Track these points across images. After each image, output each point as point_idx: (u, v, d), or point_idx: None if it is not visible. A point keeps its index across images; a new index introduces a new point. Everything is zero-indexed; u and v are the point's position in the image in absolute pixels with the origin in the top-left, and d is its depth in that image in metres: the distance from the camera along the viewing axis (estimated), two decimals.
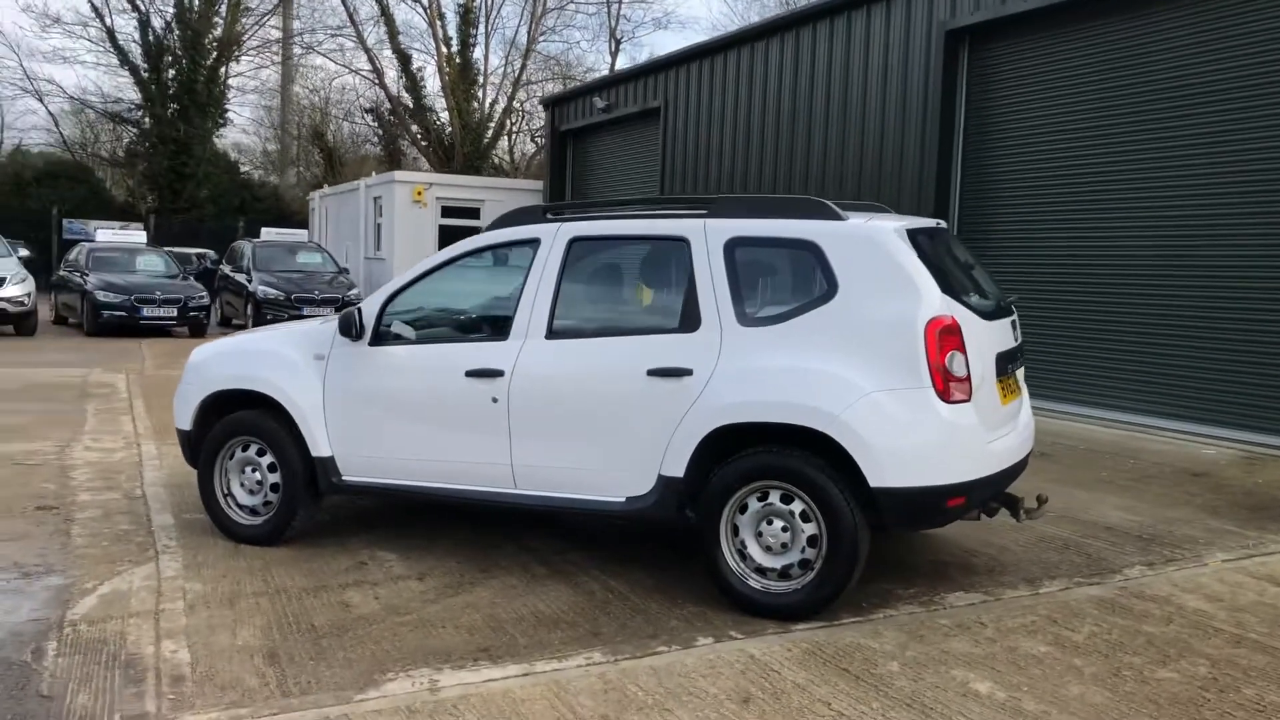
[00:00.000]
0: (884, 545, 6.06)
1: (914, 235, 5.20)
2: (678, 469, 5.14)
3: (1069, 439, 10.05)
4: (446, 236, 22.04)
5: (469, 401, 5.59)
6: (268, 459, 6.07)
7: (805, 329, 5.04)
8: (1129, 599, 5.37)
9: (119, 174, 38.53)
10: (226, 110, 38.84)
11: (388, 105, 37.41)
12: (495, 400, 5.52)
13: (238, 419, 6.14)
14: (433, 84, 36.63)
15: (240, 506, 6.17)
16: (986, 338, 5.25)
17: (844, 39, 14.05)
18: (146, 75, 35.41)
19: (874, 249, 5.07)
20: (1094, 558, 6.13)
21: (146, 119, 35.94)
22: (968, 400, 4.96)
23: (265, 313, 19.30)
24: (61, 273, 21.16)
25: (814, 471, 4.88)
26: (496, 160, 37.39)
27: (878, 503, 4.85)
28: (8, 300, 17.59)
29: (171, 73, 35.43)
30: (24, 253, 21.45)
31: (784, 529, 4.99)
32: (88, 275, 19.38)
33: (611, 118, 19.75)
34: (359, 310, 5.89)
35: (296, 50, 39.88)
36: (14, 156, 39.48)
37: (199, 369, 6.40)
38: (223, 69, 36.92)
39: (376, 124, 38.88)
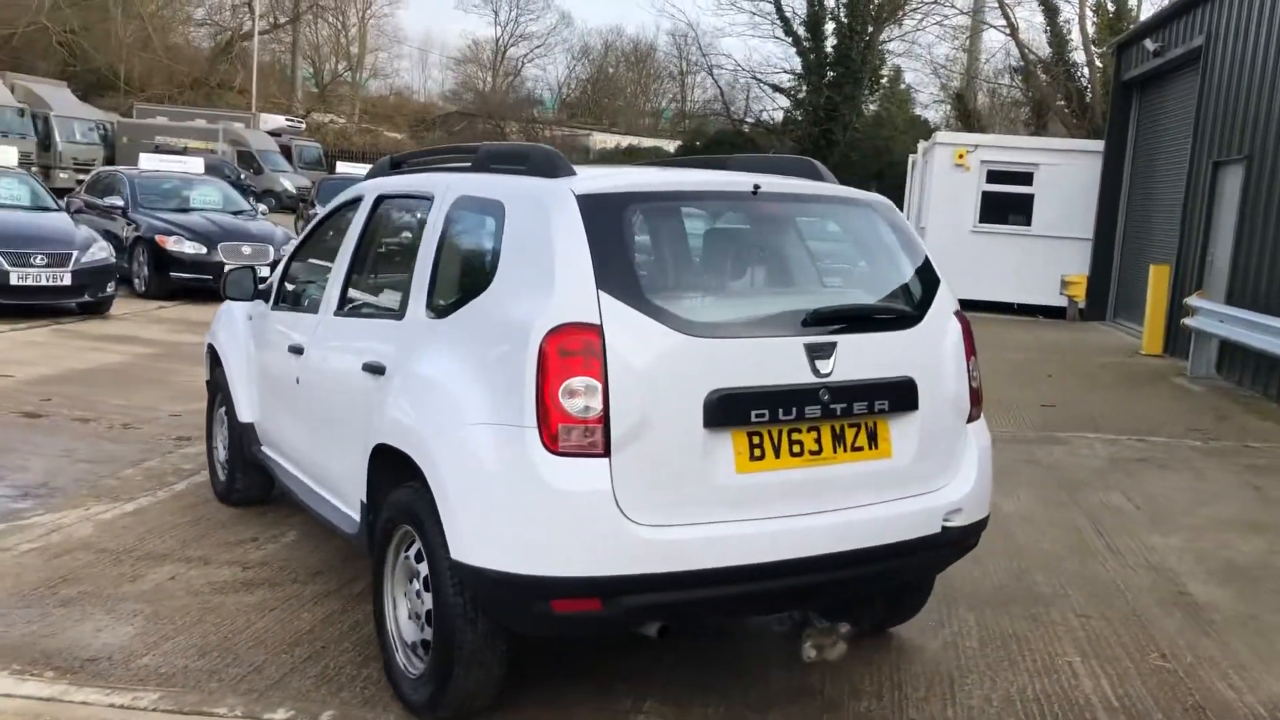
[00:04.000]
0: None
1: (615, 201, 3.48)
2: (363, 494, 4.05)
3: None
4: (990, 205, 19.86)
5: (287, 379, 4.95)
6: (225, 413, 5.96)
7: (459, 326, 3.66)
8: None
9: (772, 141, 40.75)
10: (882, 77, 39.06)
11: (1036, 63, 34.71)
12: (298, 381, 4.82)
13: (213, 378, 6.12)
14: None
15: (219, 464, 6.14)
16: (702, 364, 3.34)
17: None
18: (807, 44, 36.88)
19: (539, 219, 3.49)
20: None
21: (803, 87, 37.48)
22: (599, 455, 3.21)
23: None
24: None
25: (427, 520, 3.50)
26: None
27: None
28: None
29: (832, 41, 36.47)
30: None
31: (418, 593, 3.68)
32: None
33: (1167, 61, 16.16)
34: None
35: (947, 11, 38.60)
36: (675, 124, 43.55)
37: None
38: (882, 35, 37.13)
39: (1024, 85, 36.33)
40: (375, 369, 4.00)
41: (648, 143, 46.80)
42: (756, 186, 3.75)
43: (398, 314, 4.06)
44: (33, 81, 35.88)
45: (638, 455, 3.23)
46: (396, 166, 4.95)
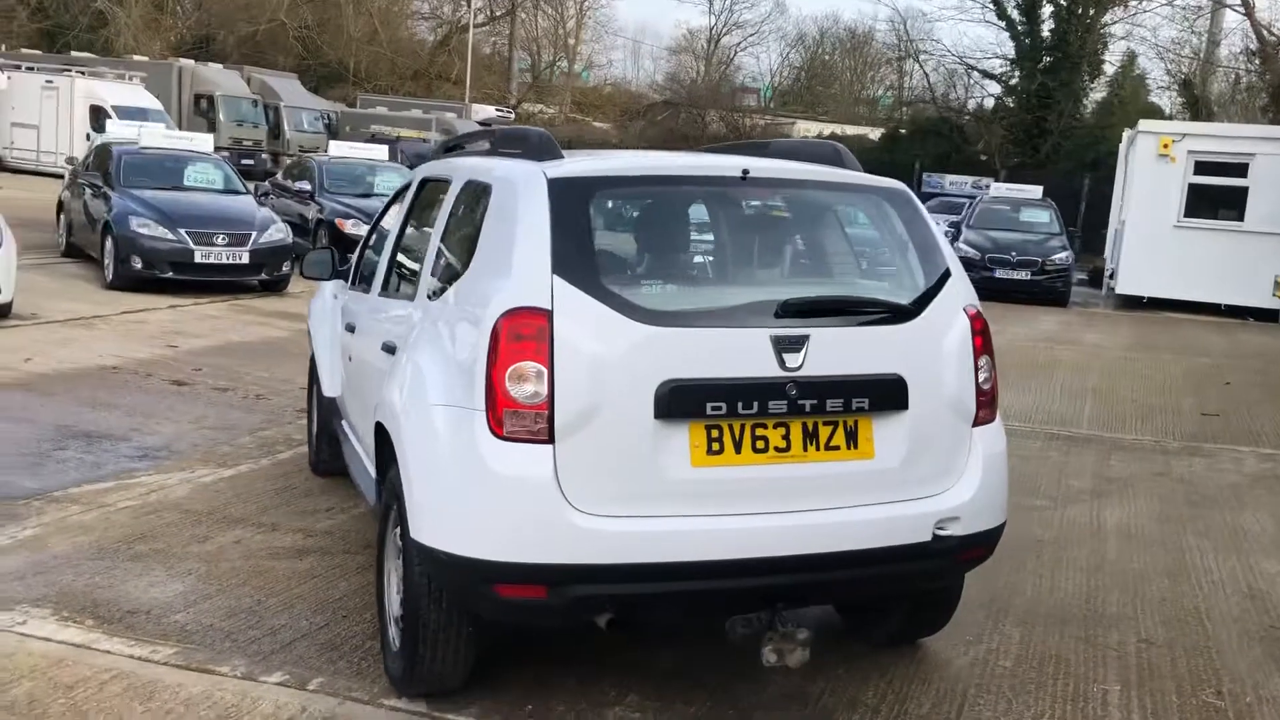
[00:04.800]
0: None
1: (585, 185, 3.45)
2: (374, 470, 4.18)
3: None
4: (1197, 199, 18.43)
5: (346, 356, 5.16)
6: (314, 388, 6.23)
7: (443, 308, 3.75)
8: None
9: (981, 129, 39.19)
10: (1103, 62, 36.95)
11: (1276, 45, 32.01)
12: (349, 359, 5.01)
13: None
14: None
15: (312, 435, 6.44)
16: (655, 353, 3.26)
17: None
18: (1022, 29, 35.33)
19: (511, 201, 3.53)
20: None
21: (1016, 73, 35.93)
22: (543, 441, 3.19)
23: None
24: None
25: (400, 497, 3.57)
26: None
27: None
28: None
29: (1049, 24, 34.82)
30: None
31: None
32: None
33: None
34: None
35: None
36: (892, 111, 42.41)
37: None
38: (1105, 18, 35.14)
39: (1261, 69, 33.54)
40: (389, 349, 4.12)
41: (851, 130, 45.86)
42: (746, 171, 3.64)
43: (412, 295, 4.17)
44: (267, 75, 38.44)
45: (584, 444, 3.20)
46: (448, 150, 5.06)
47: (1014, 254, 18.48)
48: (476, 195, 3.88)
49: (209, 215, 12.71)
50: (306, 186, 15.83)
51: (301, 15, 47.15)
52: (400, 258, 4.80)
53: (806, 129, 49.95)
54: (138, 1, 42.05)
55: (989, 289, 15.27)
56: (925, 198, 27.06)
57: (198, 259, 12.30)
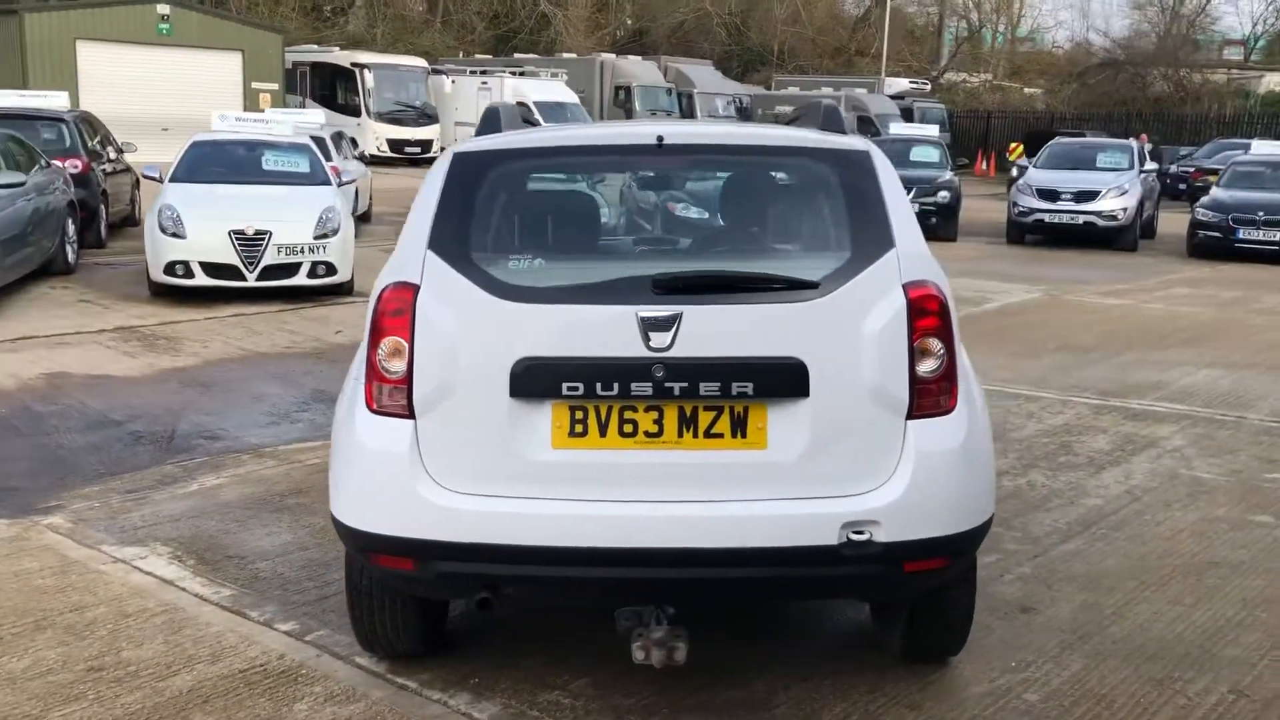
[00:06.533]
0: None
1: (482, 159, 3.42)
2: None
3: None
4: None
5: None
6: None
7: None
8: None
9: None
10: None
11: None
12: None
13: None
14: None
15: None
16: (513, 330, 3.21)
17: None
18: None
19: (427, 178, 3.55)
20: None
21: None
22: (405, 416, 3.25)
23: None
24: None
25: None
26: None
27: None
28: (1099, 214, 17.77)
29: None
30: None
31: None
32: None
33: None
34: None
35: None
36: None
37: None
38: None
39: None
40: None
41: None
42: (660, 139, 3.43)
43: None
44: (682, 63, 40.16)
45: (442, 420, 3.23)
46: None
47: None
48: None
49: None
50: None
51: (727, 4, 48.68)
52: None
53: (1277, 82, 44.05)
54: (576, 3, 45.56)
55: None
56: None
57: None
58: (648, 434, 3.18)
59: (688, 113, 37.66)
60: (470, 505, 3.21)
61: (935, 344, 3.25)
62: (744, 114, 39.64)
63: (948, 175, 19.25)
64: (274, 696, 3.70)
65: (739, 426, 3.18)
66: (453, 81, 32.84)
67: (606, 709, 3.63)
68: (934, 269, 3.34)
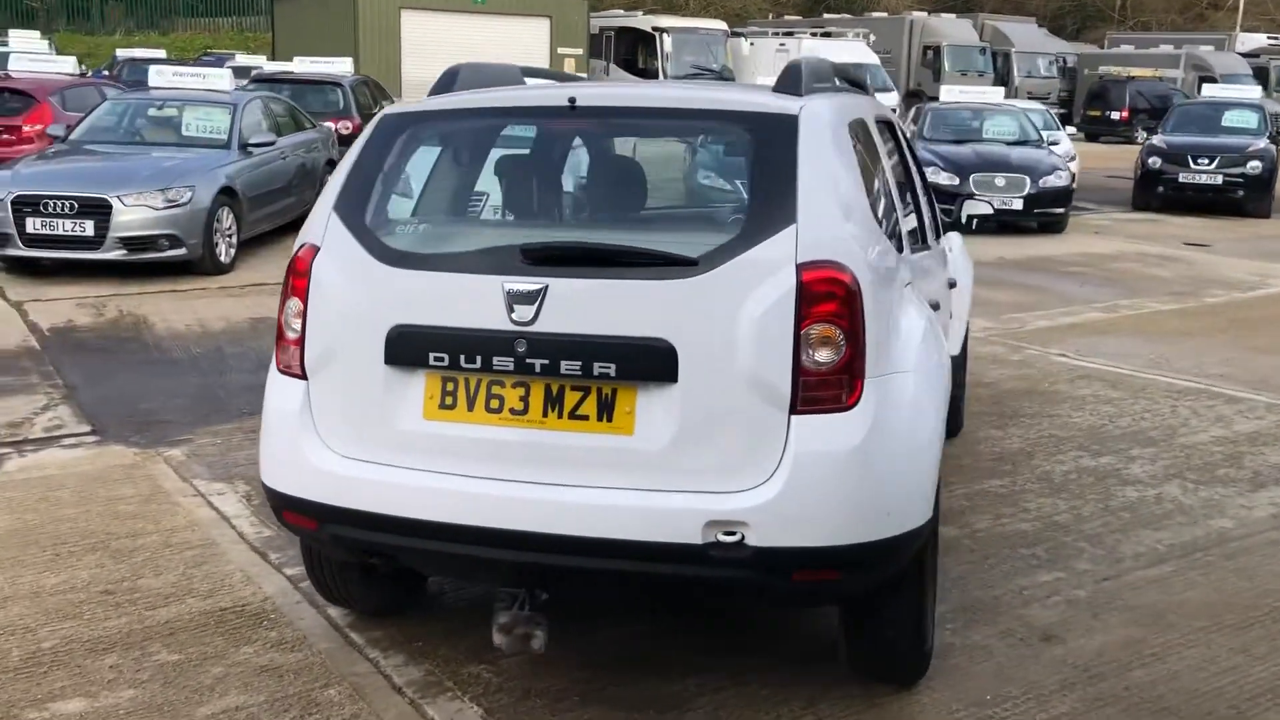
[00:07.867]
0: None
1: (398, 121, 3.44)
2: None
3: None
4: None
5: None
6: None
7: None
8: None
9: None
10: None
11: None
12: None
13: None
14: None
15: None
16: (392, 296, 3.14)
17: None
18: None
19: None
20: None
21: None
22: (299, 377, 3.29)
23: None
24: None
25: None
26: None
27: None
28: None
29: None
30: None
31: None
32: None
33: None
34: None
35: None
36: None
37: None
38: None
39: None
40: None
41: None
42: (573, 100, 3.21)
43: None
44: (1000, 21, 37.92)
45: (328, 383, 3.24)
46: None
47: None
48: None
49: None
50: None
51: None
52: None
53: None
54: None
55: None
56: None
57: None
58: (513, 411, 3.04)
59: (1003, 73, 35.59)
60: (352, 471, 3.20)
61: (834, 331, 2.88)
62: (1066, 74, 36.99)
63: (1263, 143, 17.09)
64: (232, 637, 3.87)
65: (606, 409, 2.97)
66: (751, 44, 32.68)
67: (517, 689, 3.53)
68: (850, 250, 2.95)
